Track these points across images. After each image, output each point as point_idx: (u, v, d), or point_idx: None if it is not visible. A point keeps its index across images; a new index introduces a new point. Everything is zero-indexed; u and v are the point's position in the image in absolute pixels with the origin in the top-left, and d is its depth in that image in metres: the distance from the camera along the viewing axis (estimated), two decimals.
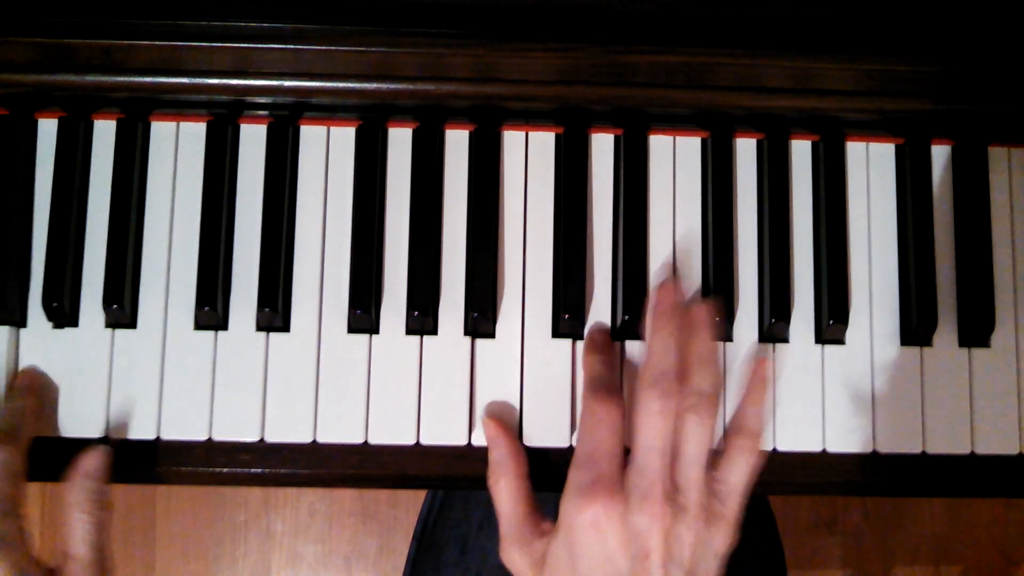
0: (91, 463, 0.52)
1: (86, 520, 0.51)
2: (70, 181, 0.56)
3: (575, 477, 0.50)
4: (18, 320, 0.55)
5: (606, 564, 0.48)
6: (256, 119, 0.57)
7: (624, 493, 0.48)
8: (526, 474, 0.53)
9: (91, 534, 0.51)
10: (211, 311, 0.54)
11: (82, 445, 0.54)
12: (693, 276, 0.57)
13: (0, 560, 0.48)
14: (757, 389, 0.54)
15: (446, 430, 0.55)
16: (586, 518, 0.48)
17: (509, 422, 0.55)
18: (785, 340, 0.56)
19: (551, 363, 0.56)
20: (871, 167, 0.58)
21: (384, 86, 0.55)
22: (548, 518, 0.52)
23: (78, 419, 0.54)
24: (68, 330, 0.55)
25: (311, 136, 0.57)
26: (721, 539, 0.49)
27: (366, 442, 0.55)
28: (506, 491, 0.53)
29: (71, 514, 0.51)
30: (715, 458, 0.51)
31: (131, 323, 0.55)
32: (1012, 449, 0.57)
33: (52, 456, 0.53)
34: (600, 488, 0.48)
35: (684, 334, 0.53)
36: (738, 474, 0.51)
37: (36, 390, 0.54)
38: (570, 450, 0.55)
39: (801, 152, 0.58)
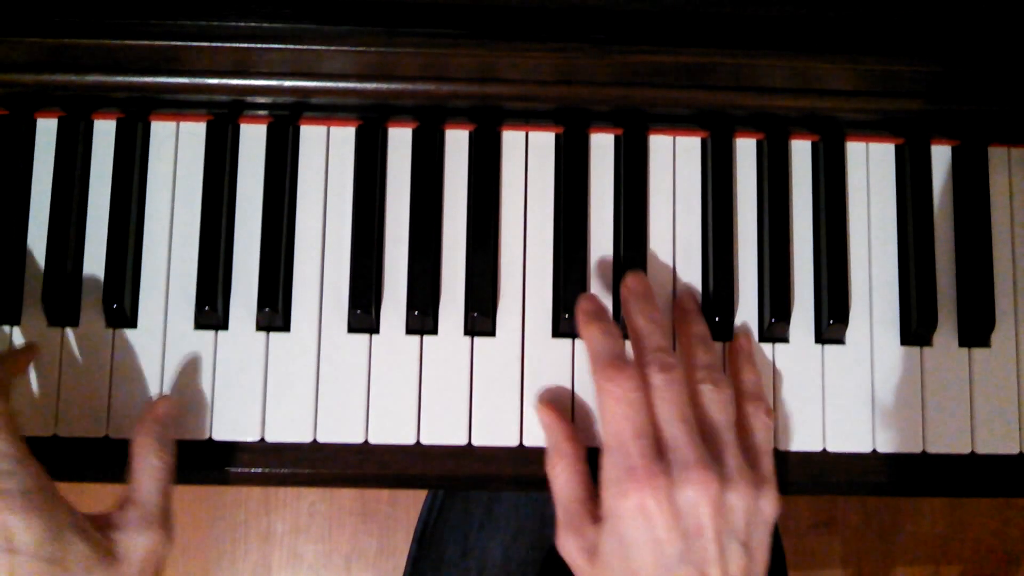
0: (163, 409, 0.52)
1: (159, 465, 0.50)
2: (70, 181, 0.56)
3: (609, 464, 0.48)
4: (18, 320, 0.55)
5: (658, 548, 0.46)
6: (256, 119, 0.57)
7: (663, 471, 0.46)
8: (582, 457, 0.52)
9: (162, 480, 0.50)
10: (211, 311, 0.55)
11: (82, 445, 0.54)
12: (693, 276, 0.57)
13: (27, 516, 0.44)
14: (745, 358, 0.55)
15: (446, 430, 0.55)
16: (630, 504, 0.46)
17: (563, 406, 0.55)
18: (785, 340, 0.56)
19: (551, 363, 0.56)
20: (871, 167, 0.58)
21: (384, 86, 0.55)
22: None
23: (79, 418, 0.54)
24: (68, 330, 0.55)
25: (311, 136, 0.57)
26: (767, 504, 0.49)
27: (366, 442, 0.55)
28: (563, 475, 0.51)
29: (143, 459, 0.50)
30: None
31: (131, 323, 0.55)
32: (1012, 449, 0.57)
33: (52, 455, 0.53)
34: (638, 471, 0.46)
35: (677, 319, 0.54)
36: (760, 435, 0.51)
37: (22, 355, 0.54)
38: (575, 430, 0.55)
39: (801, 152, 0.58)
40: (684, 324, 0.54)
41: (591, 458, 0.52)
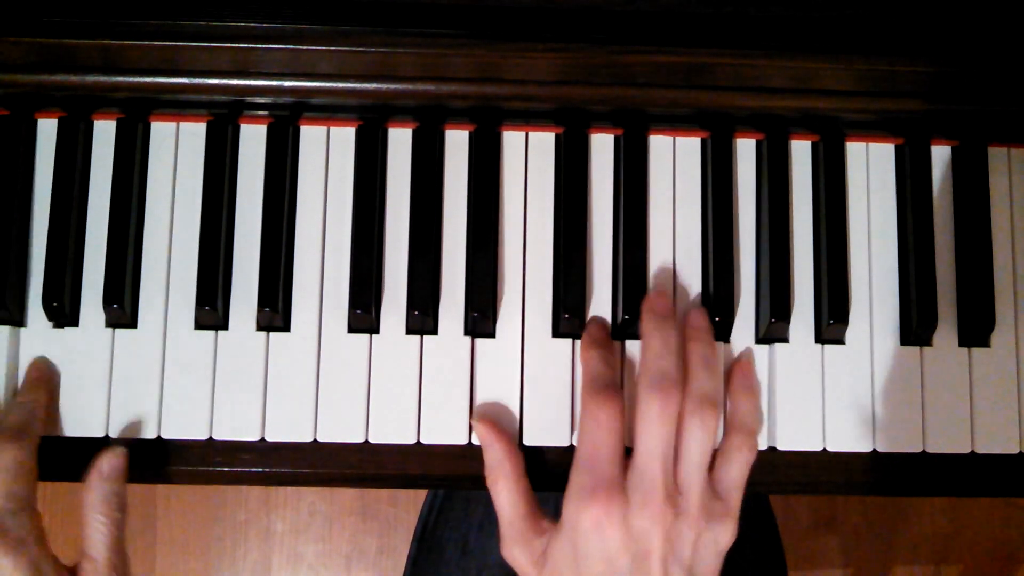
0: (108, 464, 0.52)
1: (103, 521, 0.51)
2: (70, 181, 0.56)
3: (576, 479, 0.50)
4: (18, 320, 0.55)
5: (607, 564, 0.48)
6: (256, 119, 0.57)
7: (625, 495, 0.49)
8: (522, 473, 0.53)
9: (108, 536, 0.51)
10: (211, 311, 0.55)
11: (82, 445, 0.54)
12: (693, 276, 0.57)
13: (17, 558, 0.48)
14: (745, 385, 0.55)
15: (446, 430, 0.55)
16: (588, 520, 0.49)
17: (503, 422, 0.55)
18: (785, 340, 0.56)
19: (551, 363, 0.56)
20: (871, 167, 0.59)
21: (384, 86, 0.55)
22: (548, 516, 0.53)
23: (79, 418, 0.54)
24: (68, 330, 0.55)
25: (311, 136, 0.57)
26: (723, 535, 0.50)
27: (366, 441, 0.55)
28: (504, 491, 0.53)
29: (88, 515, 0.51)
30: (712, 457, 0.52)
31: (131, 323, 0.55)
32: (1012, 448, 0.57)
33: (52, 455, 0.54)
34: (601, 491, 0.49)
35: (683, 338, 0.54)
36: (736, 471, 0.52)
37: (47, 383, 0.54)
38: (570, 449, 0.55)
39: (801, 152, 0.58)
40: (690, 342, 0.54)
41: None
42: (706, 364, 0.53)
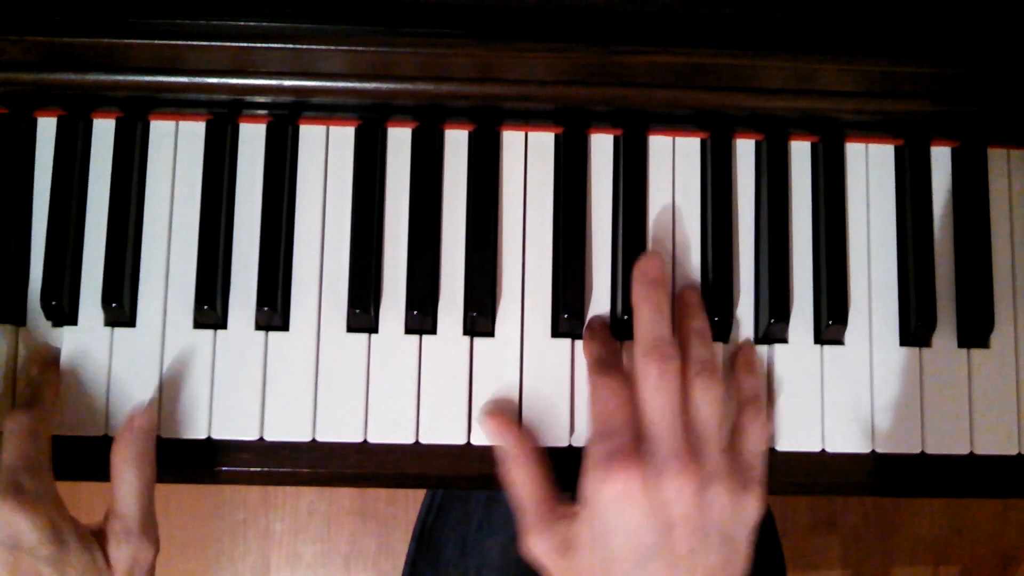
0: (143, 419, 0.52)
1: (136, 476, 0.51)
2: (69, 179, 0.56)
3: (591, 454, 0.48)
4: (17, 318, 0.55)
5: (633, 539, 0.46)
6: (255, 118, 0.57)
7: (643, 463, 0.47)
8: (539, 457, 0.52)
9: (139, 491, 0.51)
10: (210, 310, 0.55)
11: (81, 444, 0.54)
12: (692, 276, 0.57)
13: (35, 516, 0.48)
14: (748, 364, 0.55)
15: (445, 429, 0.55)
16: (608, 493, 0.47)
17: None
18: (784, 340, 0.56)
19: (550, 363, 0.56)
20: (871, 168, 0.59)
21: (383, 86, 0.55)
22: (568, 501, 0.51)
23: (78, 417, 0.54)
24: (67, 328, 0.55)
25: (310, 136, 0.57)
26: (751, 505, 0.49)
27: (365, 441, 0.55)
28: (520, 477, 0.51)
29: (120, 470, 0.51)
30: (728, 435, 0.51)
31: (130, 322, 0.55)
32: (1011, 449, 0.57)
33: (51, 454, 0.53)
34: (619, 460, 0.47)
35: (677, 314, 0.54)
36: (753, 442, 0.51)
37: (54, 362, 0.54)
38: (570, 450, 0.55)
39: (801, 153, 0.58)
40: (684, 318, 0.54)
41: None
42: (701, 336, 0.52)
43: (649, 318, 0.51)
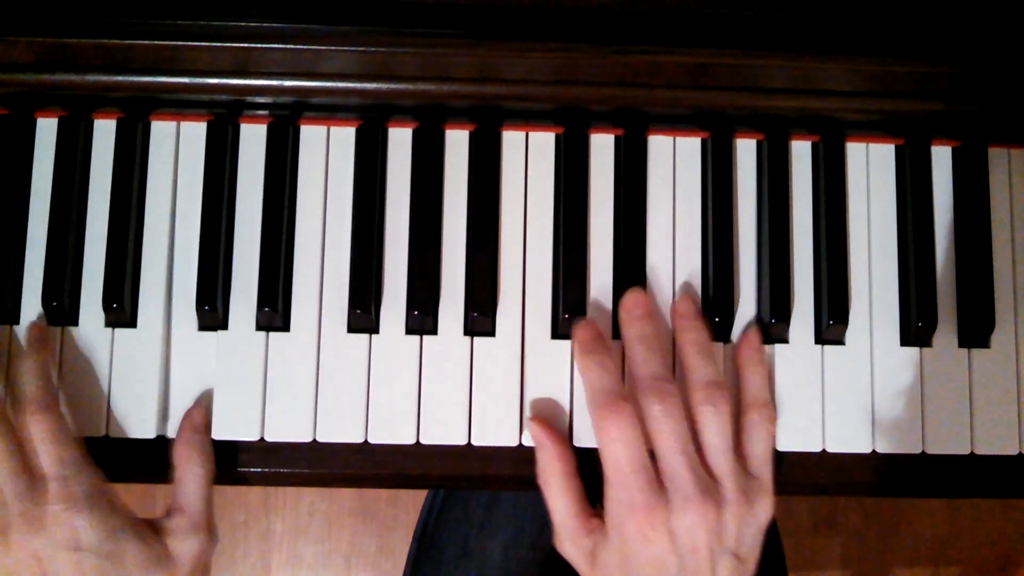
0: (198, 418, 0.53)
1: (200, 473, 0.53)
2: (70, 180, 0.56)
3: (610, 496, 0.50)
4: (17, 319, 0.55)
5: (657, 567, 0.49)
6: (256, 119, 0.57)
7: (664, 500, 0.49)
8: (574, 472, 0.53)
9: (204, 487, 0.53)
10: (211, 310, 0.54)
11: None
12: (693, 276, 0.57)
13: (91, 516, 0.49)
14: (754, 359, 0.55)
15: (446, 430, 0.55)
16: (632, 532, 0.49)
17: (556, 421, 0.55)
18: (785, 340, 0.56)
19: (551, 363, 0.56)
20: (871, 168, 0.58)
21: (384, 86, 0.55)
22: (598, 514, 0.52)
23: (78, 417, 0.54)
24: (68, 329, 0.55)
25: (311, 136, 0.57)
26: (763, 512, 0.51)
27: (366, 441, 0.55)
28: (556, 490, 0.52)
29: (183, 466, 0.52)
30: (735, 437, 0.52)
31: (131, 322, 0.55)
32: (1011, 450, 0.57)
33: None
34: (638, 506, 0.49)
35: (676, 328, 0.55)
36: (761, 447, 0.52)
37: (47, 342, 0.54)
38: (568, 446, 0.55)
39: (801, 153, 0.58)
40: (681, 332, 0.54)
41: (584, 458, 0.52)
42: (701, 351, 0.53)
43: (643, 356, 0.52)
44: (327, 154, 0.57)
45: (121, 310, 0.54)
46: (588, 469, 0.53)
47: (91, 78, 0.54)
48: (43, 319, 0.55)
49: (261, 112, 0.57)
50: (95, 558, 0.48)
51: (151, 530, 0.51)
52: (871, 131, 0.58)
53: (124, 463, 0.54)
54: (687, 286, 0.57)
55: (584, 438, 0.55)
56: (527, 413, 0.55)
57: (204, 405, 0.54)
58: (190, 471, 0.52)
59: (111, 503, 0.50)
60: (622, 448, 0.50)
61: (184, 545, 0.51)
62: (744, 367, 0.55)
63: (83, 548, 0.48)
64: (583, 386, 0.54)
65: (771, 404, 0.54)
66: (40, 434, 0.50)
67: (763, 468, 0.52)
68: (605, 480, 0.51)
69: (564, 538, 0.52)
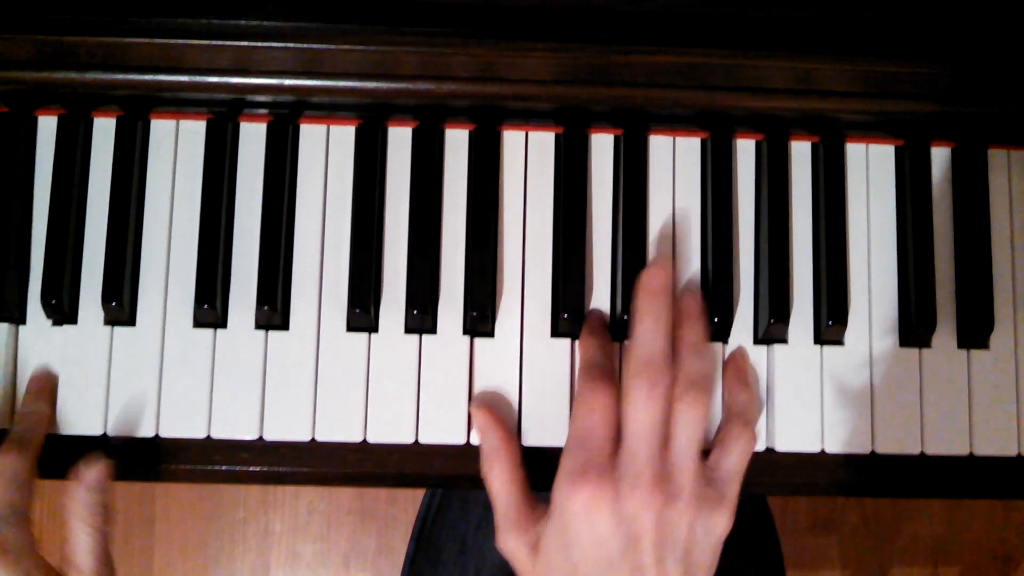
0: (92, 475, 0.51)
1: (88, 532, 0.51)
2: (70, 178, 0.56)
3: (566, 462, 0.50)
4: (17, 317, 0.55)
5: (598, 548, 0.48)
6: (256, 117, 0.57)
7: (615, 478, 0.48)
8: (519, 462, 0.53)
9: (93, 545, 0.51)
10: (210, 309, 0.55)
11: (81, 443, 0.54)
12: (692, 276, 0.57)
13: (17, 568, 0.48)
14: (741, 376, 0.55)
15: (445, 429, 0.55)
16: (577, 503, 0.48)
17: (501, 412, 0.55)
18: (784, 341, 0.56)
19: (550, 363, 0.56)
20: (871, 168, 0.59)
21: (384, 85, 0.55)
22: (542, 505, 0.52)
23: (77, 416, 0.54)
24: (67, 327, 0.55)
25: (311, 135, 0.57)
26: (718, 524, 0.50)
27: (365, 441, 0.55)
28: (500, 478, 0.52)
29: (73, 524, 0.51)
30: (711, 446, 0.52)
31: (130, 320, 0.55)
32: (1011, 450, 0.57)
33: (50, 453, 0.53)
34: (590, 474, 0.48)
35: (675, 322, 0.53)
36: (733, 461, 0.52)
37: (50, 393, 0.54)
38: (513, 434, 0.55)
39: (801, 153, 0.58)
40: (681, 326, 0.54)
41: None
42: (696, 349, 0.52)
43: (646, 334, 0.51)
44: (327, 153, 0.57)
45: (120, 308, 0.54)
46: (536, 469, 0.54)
47: (91, 76, 0.54)
48: (51, 378, 0.55)
49: (261, 111, 0.57)
50: None
51: None
52: (871, 132, 0.58)
53: (122, 462, 0.54)
54: (687, 285, 0.57)
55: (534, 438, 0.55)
56: (526, 412, 0.55)
57: (98, 460, 0.52)
58: (78, 530, 0.51)
59: (36, 561, 0.50)
60: (596, 420, 0.50)
61: None
62: (730, 382, 0.55)
63: None
64: (579, 361, 0.54)
65: (752, 423, 0.53)
66: (3, 471, 0.50)
67: (729, 484, 0.51)
68: (564, 451, 0.50)
69: (507, 530, 0.52)
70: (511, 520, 0.52)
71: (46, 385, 0.54)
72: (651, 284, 0.52)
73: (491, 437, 0.53)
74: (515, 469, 0.53)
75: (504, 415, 0.55)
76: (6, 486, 0.50)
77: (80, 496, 0.51)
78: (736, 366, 0.55)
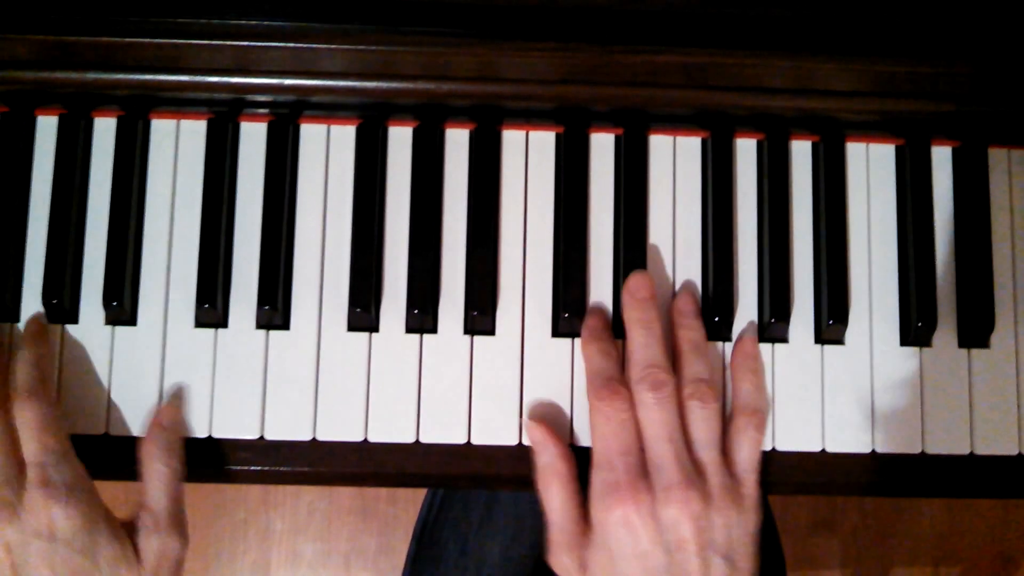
0: (168, 415, 0.53)
1: (165, 471, 0.52)
2: (70, 178, 0.56)
3: (597, 479, 0.50)
4: (18, 317, 0.55)
5: (643, 560, 0.48)
6: (256, 117, 0.57)
7: (647, 487, 0.49)
8: (575, 475, 0.52)
9: (169, 485, 0.52)
10: (211, 309, 0.55)
11: (80, 442, 0.54)
12: (693, 276, 0.57)
13: (68, 507, 0.48)
14: (746, 366, 0.55)
15: (445, 428, 0.55)
16: (615, 518, 0.48)
17: (556, 420, 0.55)
18: (785, 340, 0.56)
19: (551, 362, 0.56)
20: (871, 168, 0.58)
21: (384, 85, 0.55)
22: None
23: (77, 416, 0.54)
24: (68, 327, 0.55)
25: (311, 134, 0.57)
26: (749, 518, 0.50)
27: (365, 440, 0.55)
28: (558, 496, 0.52)
29: (149, 464, 0.52)
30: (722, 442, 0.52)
31: (131, 320, 0.55)
32: (1011, 450, 0.57)
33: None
34: (623, 487, 0.49)
35: (674, 323, 0.55)
36: (747, 452, 0.52)
37: (45, 336, 0.54)
38: (571, 448, 0.55)
39: (801, 153, 0.58)
40: (678, 328, 0.54)
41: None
42: (696, 349, 0.53)
43: (641, 341, 0.52)
44: (327, 153, 0.57)
45: (121, 308, 0.54)
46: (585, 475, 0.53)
47: (91, 76, 0.54)
48: (43, 317, 0.55)
49: (261, 110, 0.57)
50: (67, 550, 0.48)
51: (124, 528, 0.51)
52: (871, 131, 0.58)
53: (124, 461, 0.54)
54: (687, 285, 0.57)
55: (584, 438, 0.55)
56: (527, 412, 0.55)
57: (174, 403, 0.54)
58: (153, 469, 0.52)
59: (90, 497, 0.50)
60: (612, 431, 0.50)
61: (148, 543, 0.50)
62: (736, 373, 0.55)
63: (57, 539, 0.48)
64: (585, 371, 0.54)
65: (760, 411, 0.53)
66: (27, 422, 0.50)
67: (748, 474, 0.51)
68: (593, 465, 0.51)
69: (561, 546, 0.51)
70: (567, 537, 0.51)
71: (42, 328, 0.54)
72: (636, 292, 0.54)
73: (548, 452, 0.53)
74: (571, 484, 0.52)
75: (560, 426, 0.55)
76: (34, 434, 0.50)
77: (157, 434, 0.52)
78: (741, 354, 0.55)
